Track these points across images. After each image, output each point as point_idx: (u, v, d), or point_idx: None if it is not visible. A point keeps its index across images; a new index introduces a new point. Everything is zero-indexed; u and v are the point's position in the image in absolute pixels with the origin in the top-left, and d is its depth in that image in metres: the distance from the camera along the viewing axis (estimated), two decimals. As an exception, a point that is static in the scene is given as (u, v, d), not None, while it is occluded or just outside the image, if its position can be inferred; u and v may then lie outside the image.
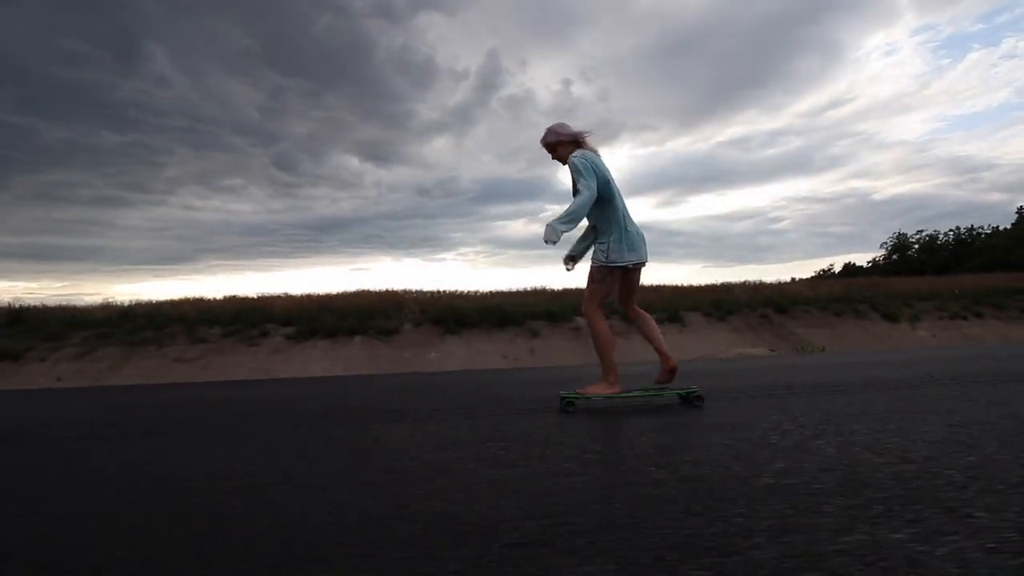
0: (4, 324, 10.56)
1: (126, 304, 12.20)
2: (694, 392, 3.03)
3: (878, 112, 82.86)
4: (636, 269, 3.10)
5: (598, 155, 3.08)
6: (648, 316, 3.19)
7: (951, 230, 43.47)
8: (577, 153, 3.00)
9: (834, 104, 78.85)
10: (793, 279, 20.67)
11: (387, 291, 13.22)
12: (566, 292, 13.71)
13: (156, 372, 9.21)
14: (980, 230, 41.81)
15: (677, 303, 13.59)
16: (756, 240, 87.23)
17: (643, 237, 3.09)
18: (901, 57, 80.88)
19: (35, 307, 11.36)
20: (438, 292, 13.47)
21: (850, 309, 14.04)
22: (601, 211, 3.01)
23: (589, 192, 2.85)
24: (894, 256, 45.79)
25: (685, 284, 16.10)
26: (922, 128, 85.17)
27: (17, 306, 10.96)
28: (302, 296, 13.12)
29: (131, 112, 49.34)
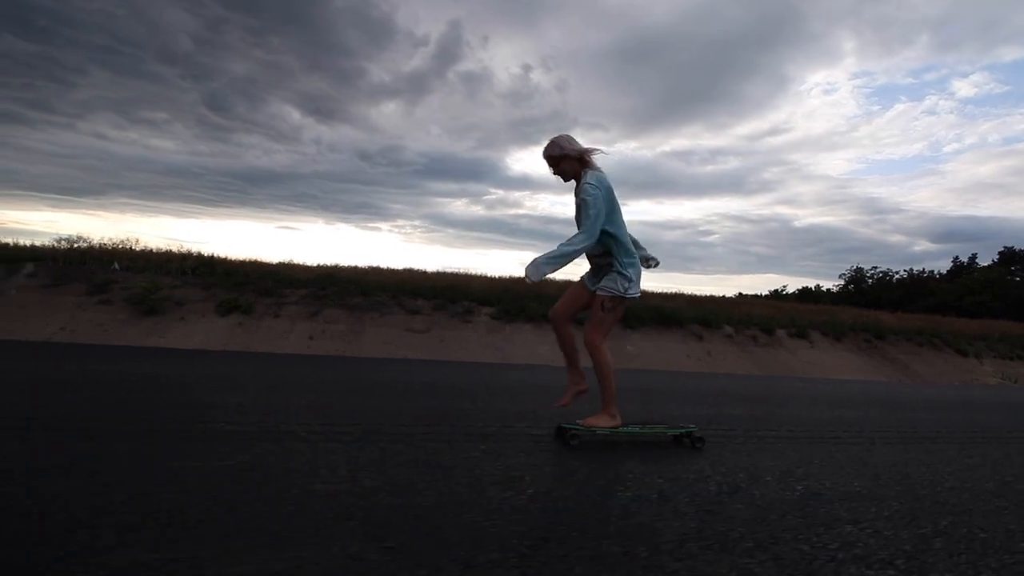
0: (189, 271, 9.59)
1: (316, 265, 11.35)
2: (691, 432, 2.95)
3: (810, 146, 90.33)
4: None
5: (603, 174, 2.82)
6: (574, 336, 3.03)
7: (906, 270, 49.08)
8: (592, 180, 2.73)
9: (773, 132, 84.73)
10: (741, 294, 22.16)
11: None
12: (706, 298, 14.33)
13: (396, 343, 8.84)
14: (928, 272, 47.46)
15: (795, 319, 14.74)
16: (685, 250, 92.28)
17: None
18: (838, 97, 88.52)
19: (200, 256, 10.34)
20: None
21: (928, 341, 15.83)
22: (617, 243, 2.83)
23: (589, 242, 2.70)
24: (850, 287, 50.79)
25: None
26: (845, 166, 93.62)
27: (195, 253, 9.94)
28: (454, 274, 12.90)
29: (41, 20, 40.98)
